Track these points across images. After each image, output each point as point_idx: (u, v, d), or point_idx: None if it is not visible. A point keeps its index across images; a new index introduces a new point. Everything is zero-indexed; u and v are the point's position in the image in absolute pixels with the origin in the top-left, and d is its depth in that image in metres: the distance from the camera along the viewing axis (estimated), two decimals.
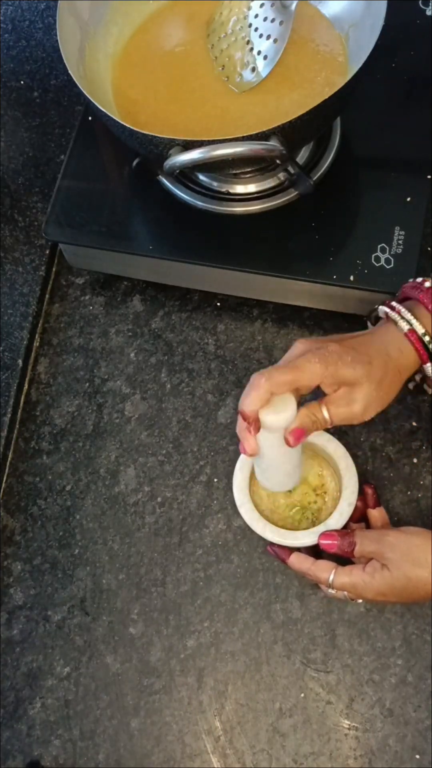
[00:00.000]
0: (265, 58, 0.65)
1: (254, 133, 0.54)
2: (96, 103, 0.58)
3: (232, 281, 0.69)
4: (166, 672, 0.62)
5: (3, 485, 0.69)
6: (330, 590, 0.56)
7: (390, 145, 0.69)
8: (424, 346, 0.52)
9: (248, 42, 0.65)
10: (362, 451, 0.66)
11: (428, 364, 0.53)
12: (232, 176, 0.68)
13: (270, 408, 0.51)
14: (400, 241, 0.64)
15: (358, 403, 0.52)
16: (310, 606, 0.62)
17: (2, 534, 0.68)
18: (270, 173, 0.67)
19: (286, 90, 0.65)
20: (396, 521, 0.63)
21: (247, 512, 0.61)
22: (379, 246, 0.64)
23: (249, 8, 0.65)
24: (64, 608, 0.65)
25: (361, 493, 0.60)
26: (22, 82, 0.84)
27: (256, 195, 0.68)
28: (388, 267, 0.63)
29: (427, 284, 0.54)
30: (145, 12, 0.71)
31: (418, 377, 0.59)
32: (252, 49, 0.65)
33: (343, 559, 0.56)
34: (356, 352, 0.51)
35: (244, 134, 0.54)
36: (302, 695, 0.60)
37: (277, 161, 0.59)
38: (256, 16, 0.65)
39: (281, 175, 0.67)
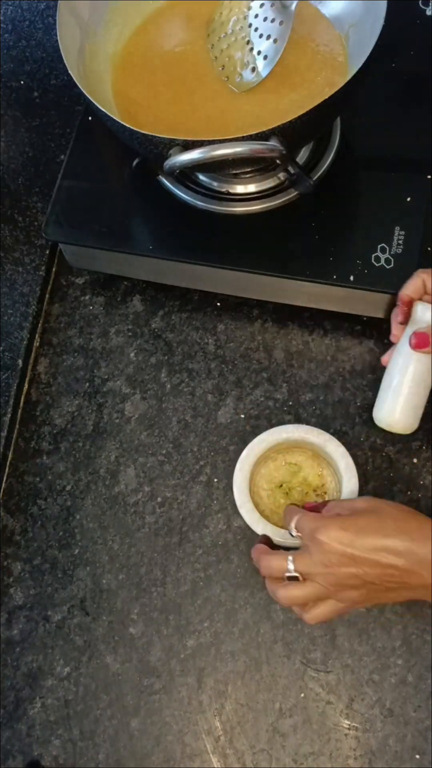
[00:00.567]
0: (265, 58, 0.65)
1: (254, 133, 0.54)
2: (96, 103, 0.58)
3: (232, 281, 0.69)
4: (166, 672, 0.62)
5: (3, 485, 0.69)
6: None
7: (390, 145, 0.69)
8: None
9: (248, 42, 0.65)
10: (362, 451, 0.66)
11: None
12: (232, 176, 0.68)
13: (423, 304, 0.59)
14: (400, 241, 0.64)
15: None
16: None
17: (2, 534, 0.68)
18: (270, 173, 0.67)
19: (286, 90, 0.65)
20: None
21: (248, 512, 0.61)
22: (379, 246, 0.64)
23: (249, 8, 0.65)
24: (64, 608, 0.65)
25: None
26: (22, 82, 0.84)
27: (256, 195, 0.68)
28: (388, 267, 0.63)
29: None
30: (145, 12, 0.71)
31: None
32: (252, 49, 0.65)
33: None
34: None
35: (244, 134, 0.54)
36: (302, 695, 0.60)
37: (277, 161, 0.59)
38: (256, 16, 0.65)
39: (281, 175, 0.67)
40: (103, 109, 0.58)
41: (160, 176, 0.69)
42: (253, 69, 0.65)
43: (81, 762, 0.61)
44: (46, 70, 0.85)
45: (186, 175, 0.69)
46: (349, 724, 0.59)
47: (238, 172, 0.67)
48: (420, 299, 0.60)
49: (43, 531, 0.67)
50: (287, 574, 0.53)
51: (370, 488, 0.64)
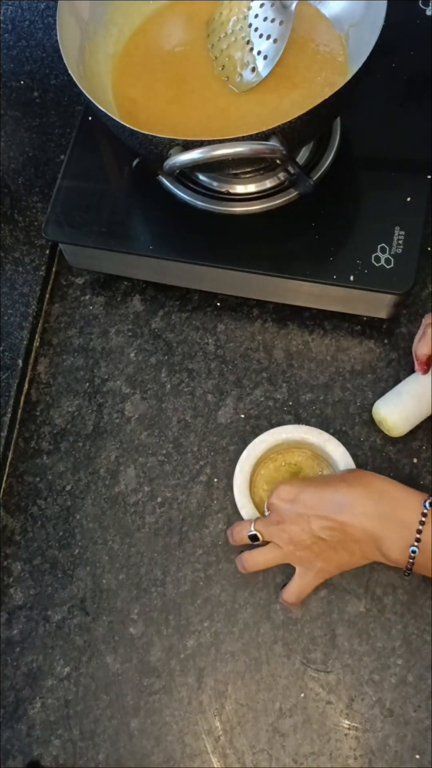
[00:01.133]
0: (265, 58, 0.65)
1: (254, 133, 0.54)
2: (96, 103, 0.58)
3: (232, 281, 0.69)
4: (166, 672, 0.62)
5: (3, 485, 0.69)
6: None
7: (390, 145, 0.69)
8: None
9: (248, 42, 0.65)
10: (362, 451, 0.66)
11: None
12: (232, 176, 0.68)
13: None
14: (400, 241, 0.64)
15: None
16: (310, 606, 0.62)
17: (2, 534, 0.68)
18: (270, 173, 0.67)
19: (286, 90, 0.65)
20: None
21: (248, 514, 0.61)
22: (379, 246, 0.64)
23: (249, 8, 0.65)
24: (64, 608, 0.65)
25: None
26: (22, 82, 0.84)
27: (256, 195, 0.68)
28: (388, 267, 0.63)
29: None
30: (145, 12, 0.71)
31: None
32: (252, 49, 0.65)
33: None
34: None
35: (244, 134, 0.54)
36: (302, 695, 0.60)
37: (277, 161, 0.59)
38: (256, 16, 0.65)
39: (281, 175, 0.67)
40: (103, 109, 0.58)
41: (160, 176, 0.69)
42: (253, 69, 0.65)
43: (81, 762, 0.61)
44: (46, 70, 0.85)
45: (186, 175, 0.69)
46: (349, 724, 0.59)
47: (238, 172, 0.67)
48: None
49: (43, 531, 0.67)
50: (249, 533, 0.58)
51: None
